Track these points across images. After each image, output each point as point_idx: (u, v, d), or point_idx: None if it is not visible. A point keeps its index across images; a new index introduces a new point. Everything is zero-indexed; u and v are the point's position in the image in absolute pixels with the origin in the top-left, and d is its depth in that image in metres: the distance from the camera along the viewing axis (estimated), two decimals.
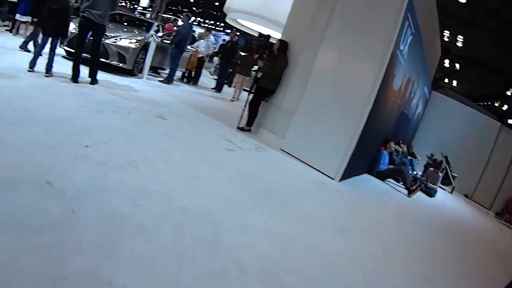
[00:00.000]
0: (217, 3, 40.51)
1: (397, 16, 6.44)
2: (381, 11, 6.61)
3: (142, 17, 17.45)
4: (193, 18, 50.69)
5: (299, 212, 4.57)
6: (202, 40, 13.25)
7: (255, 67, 10.60)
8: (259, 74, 8.12)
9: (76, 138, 4.30)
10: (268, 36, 8.42)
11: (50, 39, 7.37)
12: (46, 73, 7.14)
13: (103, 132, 4.87)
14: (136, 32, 10.65)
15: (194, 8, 50.42)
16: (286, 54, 7.86)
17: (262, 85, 7.92)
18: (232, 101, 12.98)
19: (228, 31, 49.42)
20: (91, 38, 7.63)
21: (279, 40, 7.99)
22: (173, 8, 53.71)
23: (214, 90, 14.14)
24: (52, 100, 5.68)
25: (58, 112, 5.12)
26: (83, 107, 5.77)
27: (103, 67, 8.98)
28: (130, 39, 9.82)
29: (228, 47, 14.19)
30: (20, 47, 9.16)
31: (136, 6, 48.77)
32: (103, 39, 8.38)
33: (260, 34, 8.59)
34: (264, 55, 8.14)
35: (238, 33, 15.90)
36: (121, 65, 9.64)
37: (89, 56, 7.74)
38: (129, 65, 9.82)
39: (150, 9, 40.25)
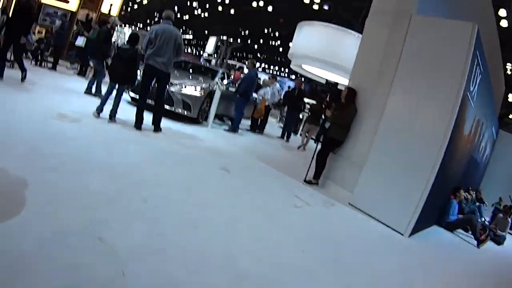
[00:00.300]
0: (281, 49, 41.20)
1: (466, 56, 6.20)
2: (449, 51, 6.40)
3: (207, 65, 17.95)
4: (257, 64, 51.88)
5: (369, 276, 4.18)
6: (268, 88, 13.24)
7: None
8: (327, 124, 7.93)
9: (134, 191, 4.25)
10: (336, 84, 8.28)
11: (117, 85, 7.67)
12: (110, 119, 7.39)
13: (163, 185, 4.81)
14: (201, 80, 10.86)
15: (258, 54, 51.59)
16: (355, 102, 7.67)
17: (330, 136, 7.70)
18: (298, 149, 12.81)
19: (293, 77, 50.08)
20: (156, 85, 7.82)
21: (347, 87, 7.82)
22: (238, 54, 55.28)
23: (280, 138, 14.10)
24: (113, 148, 5.78)
25: (118, 160, 5.18)
26: (144, 157, 5.81)
27: (167, 114, 9.19)
28: (195, 86, 10.00)
29: (295, 94, 14.15)
30: (85, 92, 9.67)
31: (202, 52, 50.72)
32: (168, 86, 8.60)
33: (327, 81, 8.45)
34: (332, 104, 7.97)
35: (303, 79, 15.89)
36: (185, 113, 9.82)
37: (154, 103, 7.92)
38: (194, 113, 9.97)
39: (215, 55, 41.58)
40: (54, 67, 13.39)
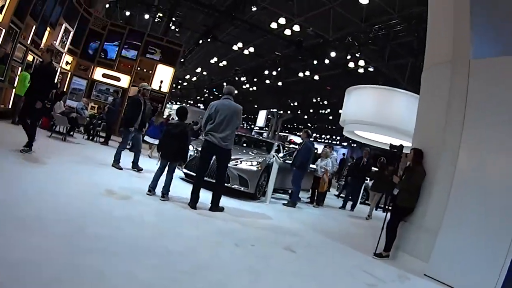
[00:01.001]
0: (331, 117, 41.55)
1: None
2: None
3: (261, 138, 17.82)
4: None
5: None
6: (329, 159, 12.75)
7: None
8: (395, 191, 7.42)
9: (189, 279, 3.84)
10: (401, 147, 7.85)
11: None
12: (162, 197, 7.14)
13: (222, 270, 4.37)
14: (257, 154, 10.66)
15: (309, 124, 52.07)
16: (422, 163, 7.19)
17: (400, 204, 7.20)
18: (366, 219, 12.45)
19: (345, 144, 49.82)
20: (215, 162, 7.64)
21: (413, 149, 7.38)
22: (289, 126, 55.80)
23: (342, 208, 13.73)
24: (166, 229, 5.52)
25: (171, 243, 4.87)
26: (200, 239, 5.45)
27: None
28: (251, 161, 9.77)
29: (360, 165, 13.86)
30: (113, 165, 9.21)
31: (253, 126, 51.47)
32: None
33: (392, 145, 8.02)
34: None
35: (369, 150, 15.52)
36: (242, 189, 9.50)
37: (215, 181, 7.72)
38: (251, 189, 9.63)
39: (266, 128, 42.12)
40: (106, 142, 13.75)
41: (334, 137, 55.72)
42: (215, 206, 7.34)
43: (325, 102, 38.53)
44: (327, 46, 22.95)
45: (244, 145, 12.12)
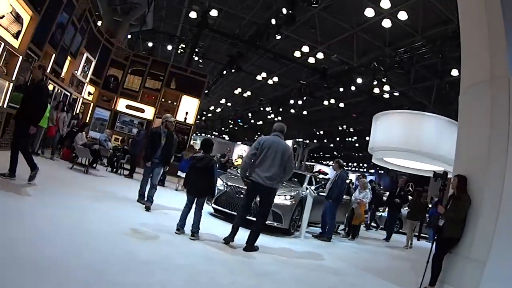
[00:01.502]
0: (357, 144, 41.26)
1: None
2: None
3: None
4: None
5: None
6: (367, 190, 12.30)
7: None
8: (440, 222, 7.02)
9: None
10: (445, 174, 7.41)
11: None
12: (192, 235, 6.66)
13: None
14: (290, 187, 10.16)
15: (335, 152, 51.59)
16: (467, 191, 6.78)
17: (446, 236, 6.80)
18: (405, 248, 12.56)
19: (372, 171, 49.21)
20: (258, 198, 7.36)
21: (456, 176, 6.95)
22: (315, 155, 55.28)
23: (384, 241, 13.57)
24: (198, 273, 4.99)
25: None
26: (236, 284, 4.92)
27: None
28: (285, 195, 9.27)
29: (397, 195, 13.74)
30: (138, 200, 8.66)
31: None
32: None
33: (436, 173, 7.56)
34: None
35: (404, 177, 15.09)
36: (276, 224, 8.98)
37: (254, 219, 7.38)
38: (285, 224, 9.12)
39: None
40: (130, 175, 13.44)
41: (361, 164, 55.27)
42: (250, 246, 6.86)
43: (351, 130, 38.24)
44: (352, 72, 22.71)
45: None
